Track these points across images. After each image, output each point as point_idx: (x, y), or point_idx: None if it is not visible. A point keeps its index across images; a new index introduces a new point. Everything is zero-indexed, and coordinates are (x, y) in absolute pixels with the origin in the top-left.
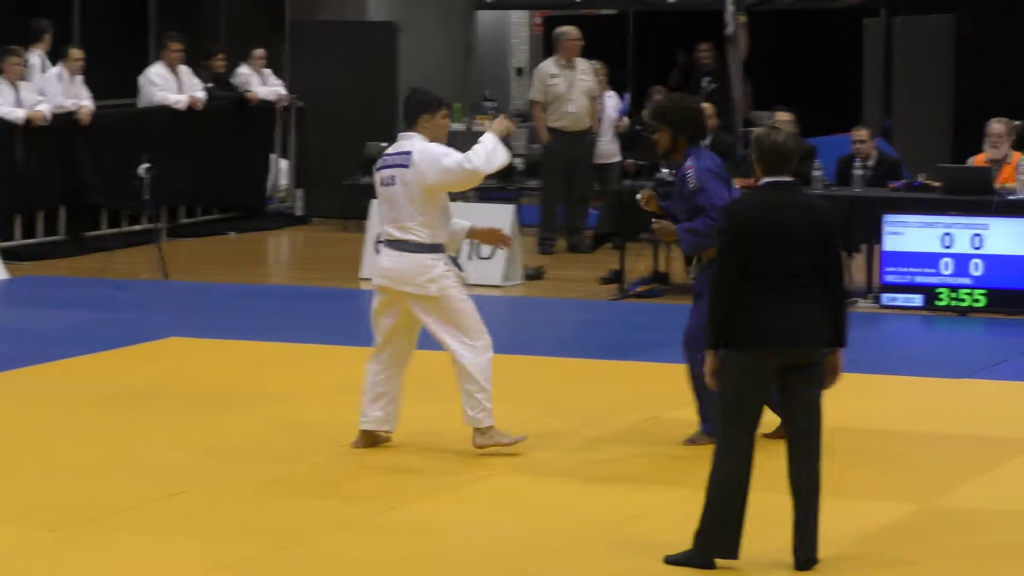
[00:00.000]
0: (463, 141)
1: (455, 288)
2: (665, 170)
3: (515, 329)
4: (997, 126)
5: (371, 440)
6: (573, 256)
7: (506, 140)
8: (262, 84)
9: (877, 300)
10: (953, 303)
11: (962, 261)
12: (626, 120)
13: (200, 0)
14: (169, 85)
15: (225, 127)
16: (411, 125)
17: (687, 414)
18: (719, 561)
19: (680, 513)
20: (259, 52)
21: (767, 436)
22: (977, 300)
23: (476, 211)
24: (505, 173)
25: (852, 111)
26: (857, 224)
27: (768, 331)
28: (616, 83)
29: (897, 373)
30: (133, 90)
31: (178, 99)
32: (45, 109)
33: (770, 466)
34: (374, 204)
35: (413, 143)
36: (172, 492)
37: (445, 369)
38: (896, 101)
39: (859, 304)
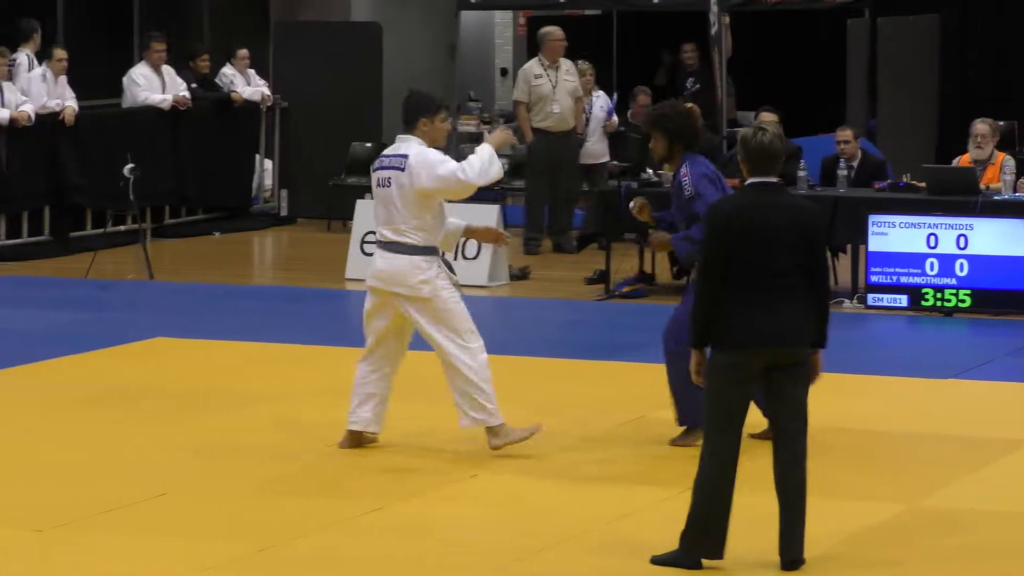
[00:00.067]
0: (447, 142)
1: (448, 290)
2: (650, 170)
3: (501, 329)
4: (981, 126)
5: (358, 440)
6: (559, 256)
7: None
8: (246, 84)
9: (863, 300)
10: (938, 303)
11: (947, 261)
12: (615, 120)
13: (184, 0)
14: (153, 85)
15: (209, 127)
16: (409, 127)
17: (673, 414)
18: (705, 561)
19: (666, 513)
20: (243, 52)
21: (753, 437)
22: (962, 300)
23: (461, 211)
24: None
25: (836, 111)
26: (842, 225)
27: (753, 331)
28: (601, 84)
29: (883, 373)
30: (117, 90)
31: (163, 99)
32: (29, 109)
33: (756, 466)
34: (359, 204)
35: (410, 146)
36: (158, 492)
37: (435, 370)
38: (880, 101)
39: (845, 305)
